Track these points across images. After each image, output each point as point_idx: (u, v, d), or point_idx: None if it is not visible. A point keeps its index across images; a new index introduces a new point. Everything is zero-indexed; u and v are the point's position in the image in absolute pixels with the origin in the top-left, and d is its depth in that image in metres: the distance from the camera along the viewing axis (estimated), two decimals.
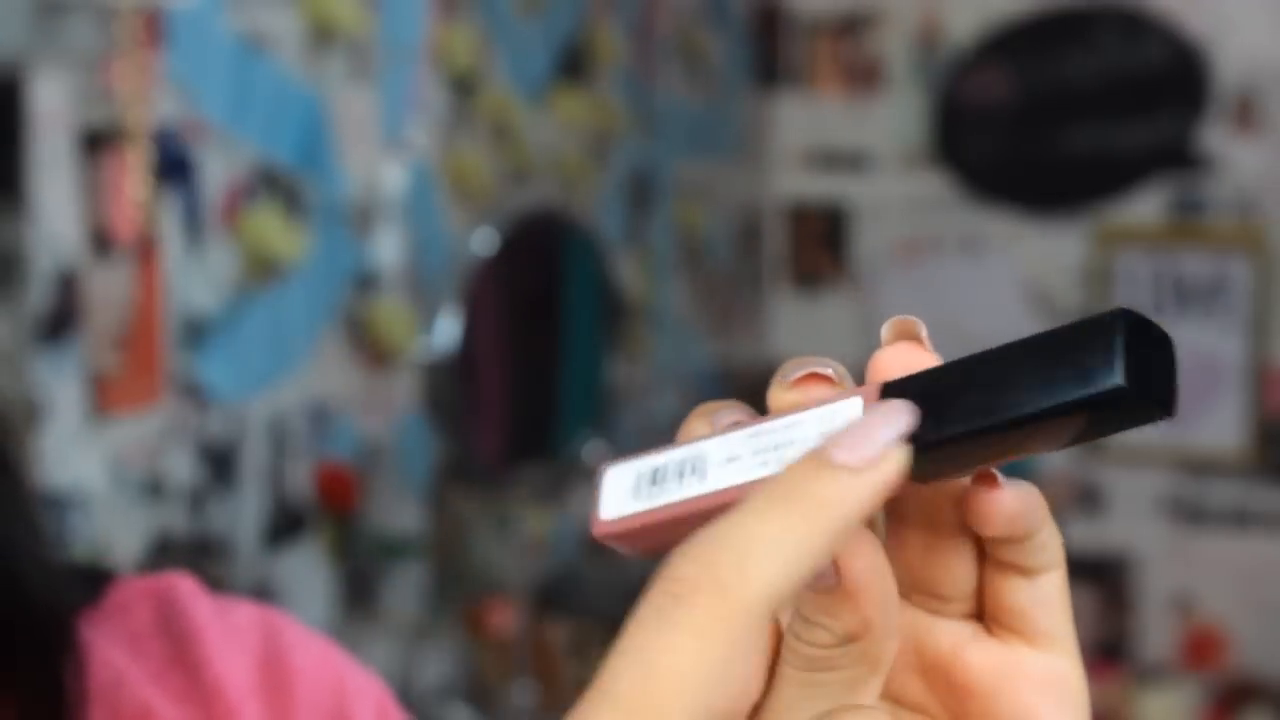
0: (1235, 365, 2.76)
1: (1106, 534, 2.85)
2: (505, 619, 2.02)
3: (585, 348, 2.21)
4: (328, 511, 1.74)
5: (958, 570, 0.38)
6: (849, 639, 0.35)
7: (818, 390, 0.36)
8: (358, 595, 1.80)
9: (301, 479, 1.70)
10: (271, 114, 1.63)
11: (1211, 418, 2.77)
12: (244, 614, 0.58)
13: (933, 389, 0.35)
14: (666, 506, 0.37)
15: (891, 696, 0.39)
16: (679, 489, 0.37)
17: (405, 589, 1.89)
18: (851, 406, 0.35)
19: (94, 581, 0.56)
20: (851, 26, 2.96)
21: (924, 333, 0.36)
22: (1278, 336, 2.75)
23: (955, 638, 0.38)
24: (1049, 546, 0.38)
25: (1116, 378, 0.33)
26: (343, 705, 0.57)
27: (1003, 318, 2.88)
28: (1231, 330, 2.76)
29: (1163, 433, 2.78)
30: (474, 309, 1.93)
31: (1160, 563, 2.82)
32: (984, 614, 0.38)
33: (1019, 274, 2.88)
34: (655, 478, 0.37)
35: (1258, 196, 2.75)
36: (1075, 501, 2.87)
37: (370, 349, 1.82)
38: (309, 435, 1.71)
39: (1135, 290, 2.80)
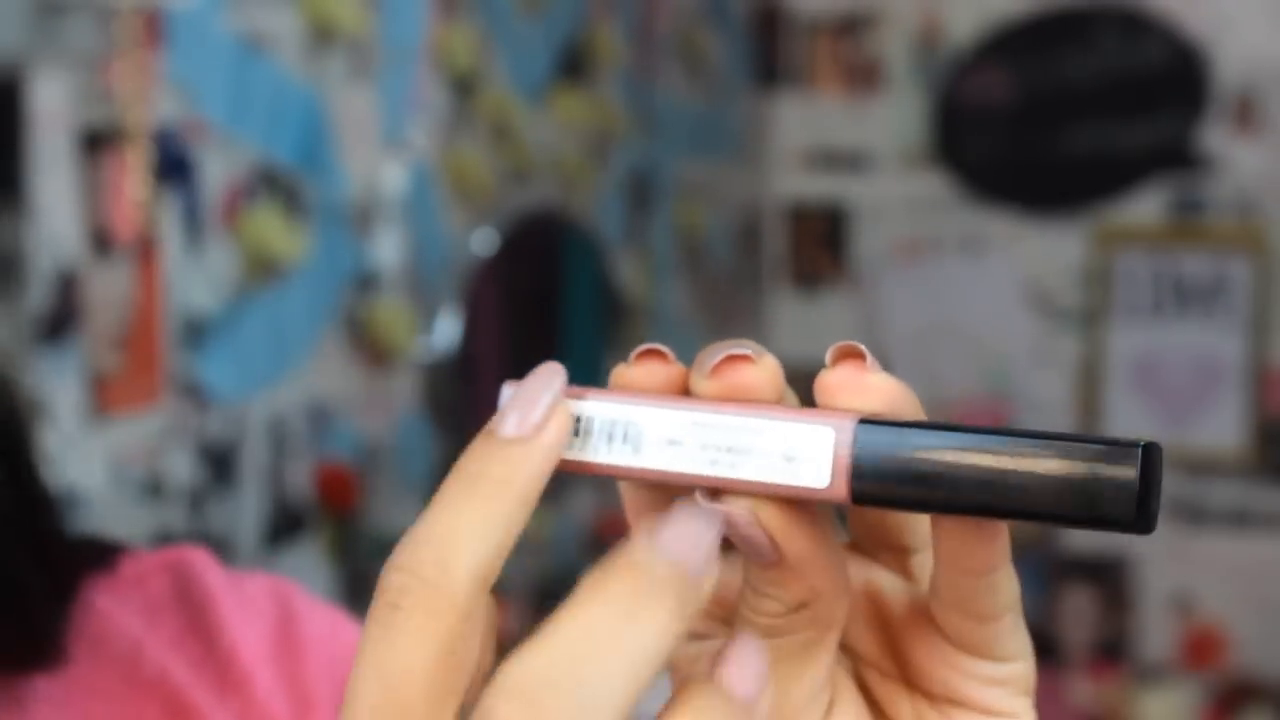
0: (1235, 365, 2.76)
1: (1106, 534, 2.84)
2: (505, 619, 2.02)
3: (585, 348, 2.21)
4: (328, 511, 1.74)
5: (916, 522, 0.38)
6: (799, 607, 0.35)
7: (741, 377, 0.35)
8: (358, 595, 1.80)
9: (301, 479, 1.70)
10: (271, 114, 1.63)
11: (1211, 418, 2.77)
12: (256, 584, 0.59)
13: (914, 440, 0.34)
14: (586, 464, 0.36)
15: (847, 646, 0.39)
16: (606, 452, 0.36)
17: None
18: (821, 436, 0.34)
19: (101, 549, 0.57)
20: (851, 26, 2.96)
21: (868, 355, 0.35)
22: (1278, 336, 2.75)
23: (912, 599, 0.39)
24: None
25: (1131, 515, 0.33)
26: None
27: (1003, 318, 2.88)
28: (1231, 330, 2.76)
29: (1163, 433, 2.78)
30: (474, 309, 1.93)
31: (1160, 563, 2.82)
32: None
33: (1019, 274, 2.88)
34: (578, 428, 0.36)
35: (1258, 196, 2.75)
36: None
37: (370, 349, 1.82)
38: (309, 435, 1.71)
39: (1135, 290, 2.81)
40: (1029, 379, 2.86)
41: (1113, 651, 2.85)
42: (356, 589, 1.80)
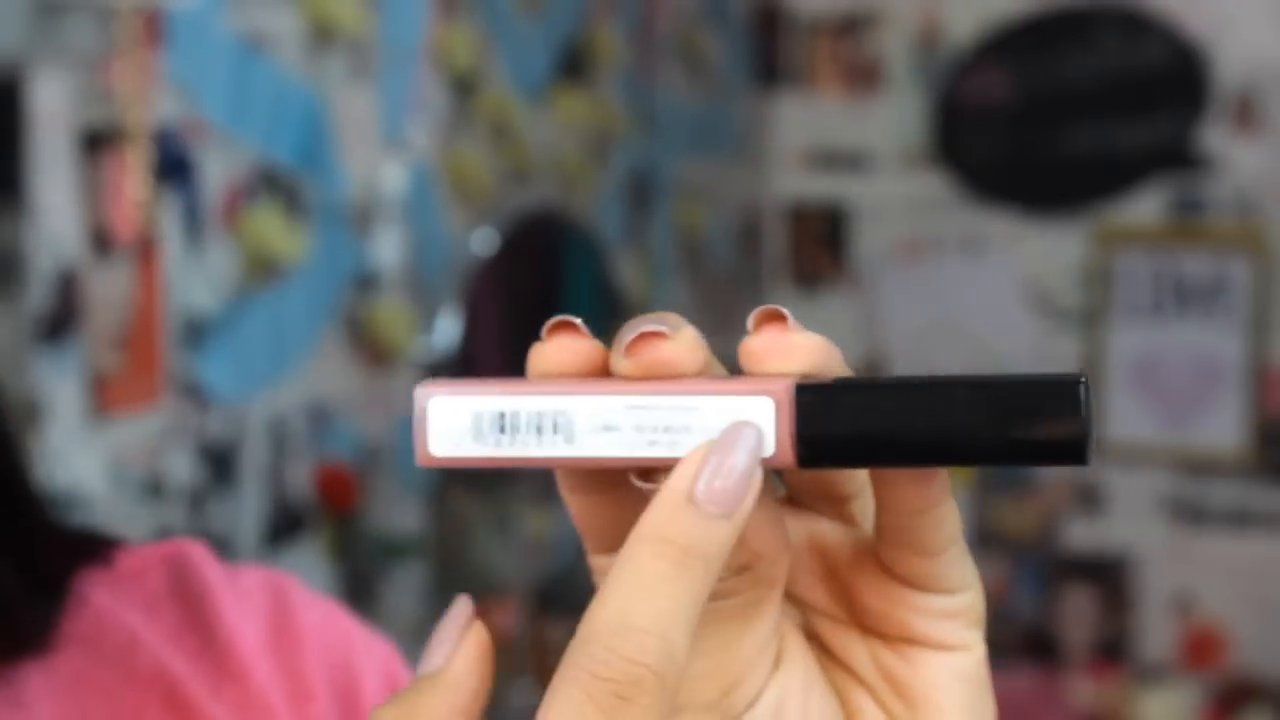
0: (1235, 365, 2.76)
1: (1106, 534, 2.85)
2: (505, 619, 2.02)
3: None
4: (328, 511, 1.74)
5: (854, 470, 0.38)
6: (740, 570, 0.36)
7: (659, 353, 0.35)
8: (358, 595, 1.80)
9: (301, 479, 1.70)
10: (271, 114, 1.63)
11: (1211, 418, 2.77)
12: (252, 576, 0.59)
13: (853, 398, 0.34)
14: (520, 459, 0.35)
15: (796, 598, 0.40)
16: (536, 445, 0.35)
17: (405, 589, 1.89)
18: (760, 407, 0.34)
19: (97, 544, 0.57)
20: (851, 26, 2.96)
21: (789, 316, 0.35)
22: (1278, 336, 2.75)
23: (855, 544, 0.39)
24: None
25: (1080, 440, 0.33)
26: (349, 662, 0.58)
27: (1003, 318, 2.88)
28: (1231, 330, 2.76)
29: (1163, 433, 2.78)
30: (474, 309, 1.93)
31: (1160, 563, 2.82)
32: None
33: (1019, 274, 2.88)
34: (504, 424, 0.35)
35: (1258, 196, 2.75)
36: (1075, 501, 2.87)
37: (370, 349, 1.82)
38: (309, 435, 1.71)
39: (1135, 290, 2.81)
40: None
41: (1113, 651, 2.85)
42: (356, 589, 1.80)
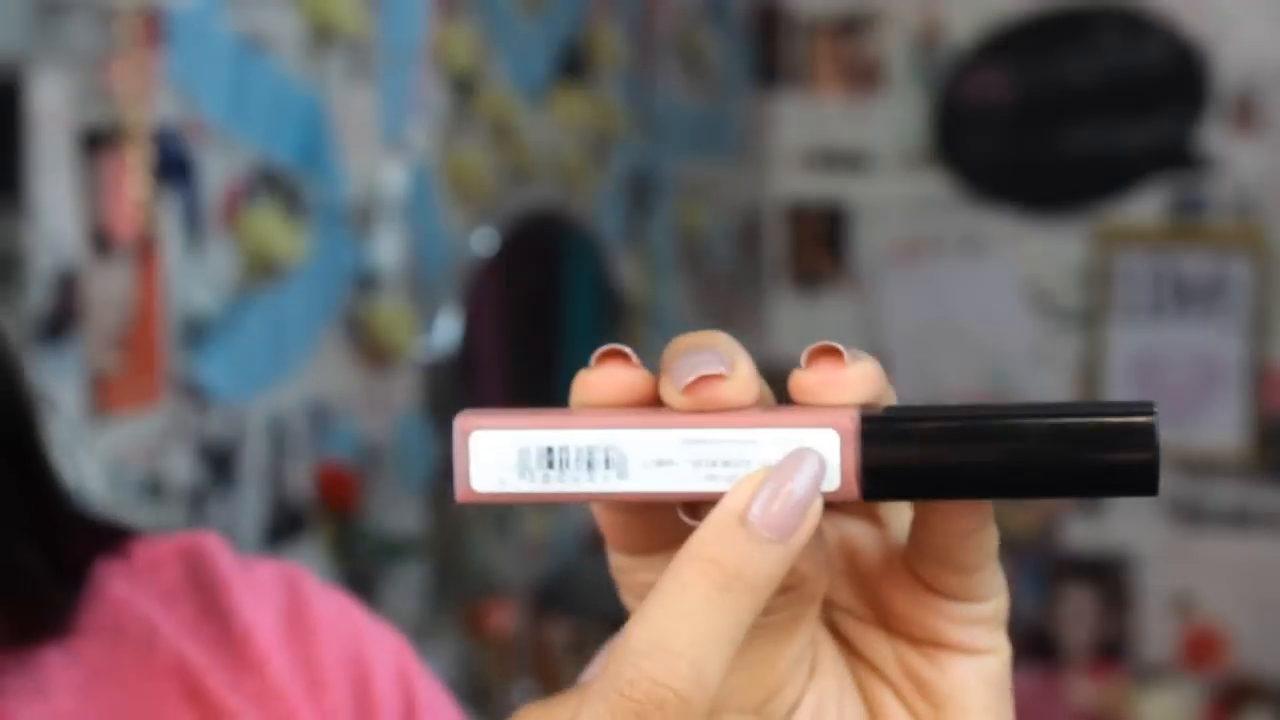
0: (1235, 365, 2.76)
1: (1106, 534, 2.85)
2: (505, 619, 2.02)
3: (585, 348, 2.20)
4: (328, 511, 1.74)
5: None
6: (786, 590, 0.36)
7: (717, 394, 0.34)
8: (358, 595, 1.80)
9: (301, 479, 1.70)
10: (271, 114, 1.63)
11: (1211, 418, 2.77)
12: (265, 569, 0.59)
13: (919, 429, 0.33)
14: (569, 494, 0.34)
15: (825, 599, 0.39)
16: (588, 480, 0.34)
17: (405, 589, 1.89)
18: (824, 439, 0.33)
19: (114, 533, 0.57)
20: (851, 26, 2.96)
21: (845, 351, 0.35)
22: (1278, 336, 2.75)
23: (886, 547, 0.39)
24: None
25: (1153, 476, 0.33)
26: (361, 653, 0.58)
27: (1003, 318, 2.88)
28: (1231, 330, 2.76)
29: (1163, 433, 2.78)
30: (474, 309, 1.93)
31: (1160, 563, 2.82)
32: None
33: (1019, 274, 2.88)
34: (552, 460, 0.34)
35: (1258, 196, 2.75)
36: (1075, 502, 2.87)
37: (370, 349, 1.82)
38: (309, 435, 1.71)
39: (1135, 290, 2.81)
40: (1029, 379, 2.86)
41: (1113, 651, 2.85)
42: (356, 589, 1.80)
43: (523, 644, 2.01)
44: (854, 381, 0.34)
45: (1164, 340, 2.78)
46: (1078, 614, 2.88)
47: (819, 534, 0.36)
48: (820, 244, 3.01)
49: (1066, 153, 2.85)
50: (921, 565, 0.37)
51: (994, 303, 2.89)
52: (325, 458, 1.74)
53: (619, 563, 0.39)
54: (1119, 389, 2.81)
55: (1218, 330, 2.76)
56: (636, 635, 0.32)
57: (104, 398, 1.40)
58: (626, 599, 0.41)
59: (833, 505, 0.38)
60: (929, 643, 0.38)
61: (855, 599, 0.39)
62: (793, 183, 3.00)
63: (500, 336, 2.02)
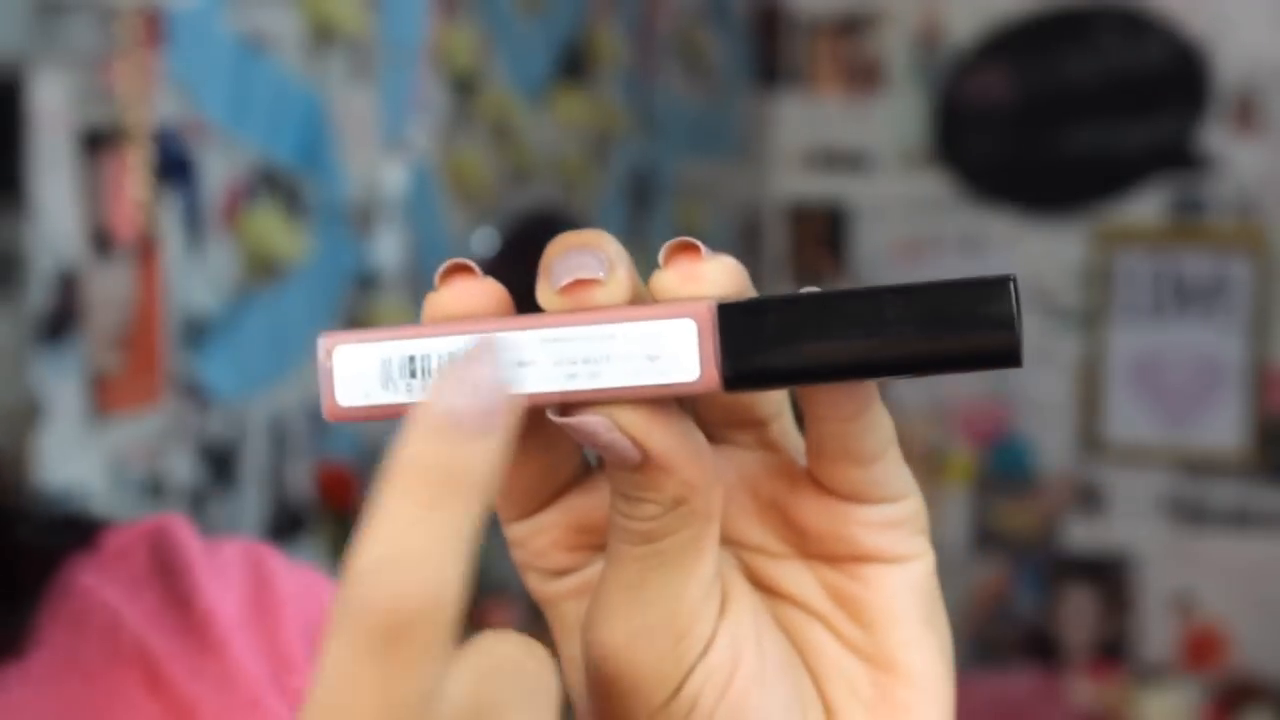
0: (1235, 365, 2.76)
1: (1106, 534, 2.85)
2: (505, 619, 2.02)
3: None
4: (328, 511, 1.74)
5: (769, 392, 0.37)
6: (675, 504, 0.34)
7: (592, 298, 0.33)
8: None
9: (301, 479, 1.70)
10: (271, 114, 1.63)
11: (1211, 418, 2.77)
12: (231, 549, 0.58)
13: (777, 315, 0.33)
14: None
15: (731, 540, 0.39)
16: None
17: None
18: (683, 330, 0.33)
19: (82, 527, 0.57)
20: (851, 26, 2.96)
21: (702, 246, 0.34)
22: (1278, 336, 2.75)
23: (784, 469, 0.38)
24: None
25: (1014, 341, 0.32)
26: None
27: None
28: (1231, 330, 2.76)
29: (1163, 433, 2.78)
30: None
31: (1160, 563, 2.82)
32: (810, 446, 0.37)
33: (1019, 274, 2.87)
34: (414, 369, 0.34)
35: (1258, 196, 2.75)
36: (1075, 501, 2.88)
37: None
38: (309, 435, 1.71)
39: (1135, 290, 2.81)
40: (1029, 379, 2.86)
41: (1113, 651, 2.85)
42: None
43: None
44: (712, 274, 0.34)
45: (1164, 340, 2.78)
46: (1078, 614, 2.88)
47: (700, 442, 0.34)
48: (821, 244, 3.01)
49: (1067, 153, 2.85)
50: (821, 468, 0.37)
51: None
52: (325, 458, 1.74)
53: (514, 536, 0.38)
54: (1119, 389, 2.81)
55: (1218, 330, 2.76)
56: (365, 554, 0.29)
57: (104, 398, 1.40)
58: (531, 579, 0.40)
59: (718, 438, 0.37)
60: (848, 557, 0.37)
61: (767, 533, 0.38)
62: (793, 182, 3.01)
63: None
